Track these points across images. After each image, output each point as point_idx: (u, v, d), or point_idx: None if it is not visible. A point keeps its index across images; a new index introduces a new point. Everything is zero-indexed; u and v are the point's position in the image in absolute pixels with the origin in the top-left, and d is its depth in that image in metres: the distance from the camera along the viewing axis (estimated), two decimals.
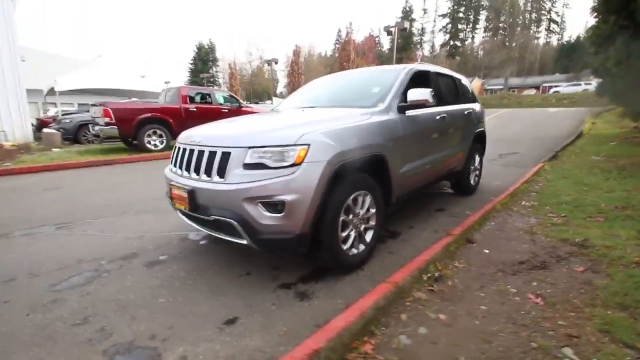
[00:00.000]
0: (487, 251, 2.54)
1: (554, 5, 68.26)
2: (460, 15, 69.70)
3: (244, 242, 2.00)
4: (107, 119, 7.31)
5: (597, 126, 11.36)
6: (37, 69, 16.01)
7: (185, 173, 2.23)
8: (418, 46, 64.77)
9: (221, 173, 1.99)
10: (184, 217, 2.47)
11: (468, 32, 71.37)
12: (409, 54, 55.39)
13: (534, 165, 5.92)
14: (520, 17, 68.68)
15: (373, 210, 2.40)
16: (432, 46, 73.73)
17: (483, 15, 70.10)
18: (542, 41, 70.73)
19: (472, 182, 4.25)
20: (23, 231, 3.27)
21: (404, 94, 2.78)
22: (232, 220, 1.94)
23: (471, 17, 71.46)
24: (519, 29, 68.65)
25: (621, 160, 5.75)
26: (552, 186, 4.41)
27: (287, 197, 1.85)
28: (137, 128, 7.79)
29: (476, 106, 4.34)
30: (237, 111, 9.75)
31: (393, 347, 1.54)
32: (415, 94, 2.65)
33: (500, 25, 68.58)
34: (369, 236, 2.39)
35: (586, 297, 1.84)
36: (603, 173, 4.97)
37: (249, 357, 1.51)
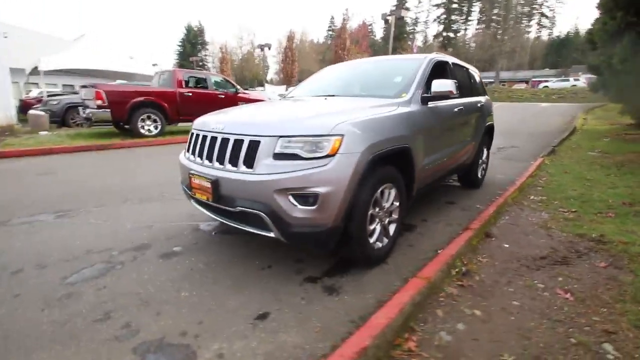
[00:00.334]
0: (506, 245, 2.55)
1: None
2: (455, 5, 69.38)
3: (271, 234, 1.93)
4: (99, 102, 6.99)
5: (589, 122, 11.61)
6: (20, 47, 15.15)
7: (207, 162, 2.13)
8: (411, 36, 64.39)
9: (249, 163, 1.90)
10: (201, 208, 2.38)
11: (461, 23, 71.27)
12: (402, 44, 54.96)
13: (533, 159, 5.99)
14: (513, 10, 68.88)
15: (397, 204, 2.36)
16: (425, 37, 73.45)
17: (477, 7, 69.97)
18: (532, 35, 71.36)
19: (479, 175, 4.27)
20: (22, 219, 3.10)
21: (427, 84, 2.71)
22: (261, 213, 1.86)
23: (465, 8, 71.25)
24: (511, 22, 68.95)
25: (617, 157, 5.88)
26: (556, 181, 4.47)
27: (321, 190, 1.78)
28: (130, 112, 7.50)
29: (486, 99, 4.33)
30: (233, 97, 9.52)
31: (435, 343, 1.52)
32: (439, 85, 2.59)
33: (494, 17, 68.68)
34: (391, 229, 2.36)
35: (614, 293, 1.86)
36: (603, 169, 5.06)
37: (289, 355, 1.47)
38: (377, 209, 2.16)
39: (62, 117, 10.28)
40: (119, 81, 16.66)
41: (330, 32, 72.43)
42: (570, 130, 9.18)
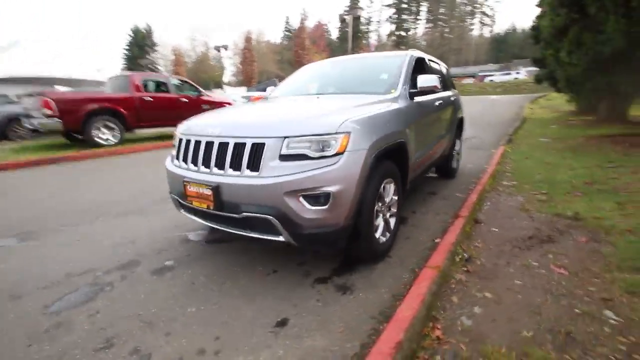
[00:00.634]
0: (495, 229, 2.70)
1: None
2: (404, 5, 72.28)
3: (280, 238, 1.87)
4: (48, 111, 6.34)
5: (536, 112, 12.69)
6: None
7: (203, 168, 2.01)
8: (369, 35, 66.04)
9: (254, 166, 1.82)
10: (195, 217, 2.25)
11: (411, 22, 74.47)
12: (358, 43, 56.22)
13: (494, 148, 6.42)
14: (457, 10, 73.30)
15: (395, 198, 2.40)
16: (379, 35, 75.80)
17: (424, 7, 73.51)
18: (476, 33, 76.50)
19: (454, 166, 4.48)
20: None
21: (412, 80, 2.79)
22: (270, 217, 1.80)
23: (414, 8, 74.54)
24: (455, 21, 73.34)
25: (568, 141, 6.47)
26: (520, 166, 4.82)
27: (332, 189, 1.76)
28: (84, 120, 6.88)
29: (456, 92, 4.55)
30: (196, 100, 9.13)
31: (459, 329, 1.56)
32: (425, 80, 2.67)
33: (440, 16, 72.60)
34: (392, 223, 2.40)
35: (601, 264, 2.04)
36: (558, 153, 5.55)
37: (319, 359, 1.43)
38: (380, 204, 2.18)
39: (2, 130, 9.20)
40: (59, 88, 15.25)
41: (287, 33, 72.16)
42: (521, 120, 9.96)
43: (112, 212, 3.51)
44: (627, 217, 2.60)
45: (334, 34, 73.54)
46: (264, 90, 21.90)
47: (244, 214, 1.86)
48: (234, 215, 1.90)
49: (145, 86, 8.05)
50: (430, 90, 2.73)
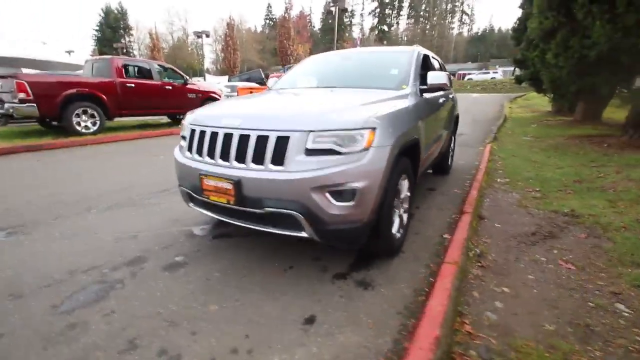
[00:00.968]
0: (498, 225, 2.79)
1: None
2: (387, 0, 72.48)
3: (302, 234, 1.85)
4: (21, 95, 5.89)
5: (515, 111, 13.19)
6: None
7: (222, 161, 1.94)
8: (351, 29, 65.80)
9: (278, 160, 1.78)
10: (208, 212, 2.18)
11: (394, 17, 74.93)
12: (341, 35, 55.94)
13: (481, 145, 6.63)
14: (438, 7, 74.43)
15: (408, 194, 2.43)
16: (362, 29, 75.79)
17: (406, 2, 74.08)
18: (455, 31, 78.13)
19: (449, 162, 4.59)
20: None
21: (422, 76, 2.81)
22: (295, 212, 1.76)
23: (396, 3, 74.95)
24: (435, 18, 74.51)
25: (549, 141, 6.78)
26: (509, 164, 5.00)
27: (359, 184, 1.75)
28: (62, 106, 6.47)
29: (452, 90, 4.63)
30: (182, 88, 8.81)
31: (486, 323, 1.61)
32: (435, 77, 2.69)
33: (422, 13, 73.48)
34: (404, 219, 2.42)
35: (604, 259, 2.17)
36: (542, 151, 5.80)
37: (355, 355, 1.44)
38: (396, 200, 2.19)
39: None
40: (26, 70, 14.33)
41: (269, 21, 70.66)
42: (503, 119, 10.33)
43: (102, 204, 3.34)
44: (620, 215, 2.77)
45: (317, 25, 72.87)
46: (248, 80, 21.26)
47: (267, 209, 1.81)
48: (256, 210, 1.85)
49: (128, 71, 7.65)
50: (440, 88, 2.76)
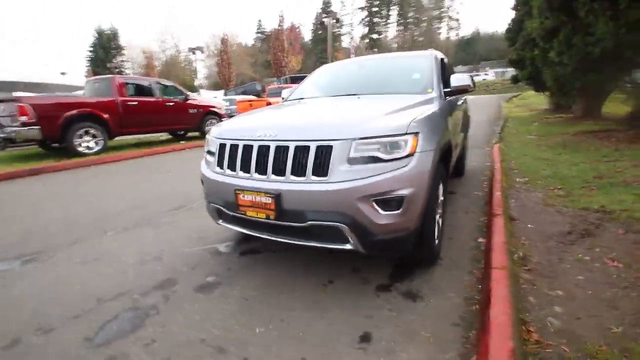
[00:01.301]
0: (531, 226, 2.73)
1: (452, 3, 76.97)
2: (375, 9, 73.79)
3: (347, 247, 1.77)
4: (24, 118, 5.80)
5: (512, 110, 13.30)
6: None
7: (257, 175, 1.87)
8: (343, 38, 66.68)
9: (321, 171, 1.71)
10: (242, 229, 2.09)
11: (383, 25, 76.19)
12: (332, 45, 56.58)
13: (487, 146, 6.63)
14: (425, 14, 75.87)
15: (442, 198, 2.36)
16: (352, 38, 76.79)
17: (394, 10, 75.46)
18: (443, 36, 79.49)
19: (464, 163, 4.55)
20: None
21: (444, 80, 2.78)
22: (340, 224, 1.69)
23: (384, 11, 76.31)
24: (424, 24, 75.89)
25: (554, 138, 6.78)
26: (522, 163, 4.97)
27: (406, 192, 1.69)
28: (64, 127, 6.39)
29: None
30: (183, 105, 8.77)
31: (551, 330, 1.53)
32: (458, 80, 2.66)
33: (410, 20, 74.81)
34: (440, 224, 2.36)
35: None
36: (551, 149, 5.79)
37: None
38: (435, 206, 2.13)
39: None
40: (18, 93, 14.21)
41: (259, 35, 71.44)
42: (504, 118, 10.39)
43: (118, 225, 3.24)
44: None
45: (307, 37, 73.78)
46: (244, 93, 21.45)
47: (310, 222, 1.74)
48: (298, 224, 1.77)
49: (129, 89, 7.60)
50: (464, 90, 2.73)
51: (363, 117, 1.87)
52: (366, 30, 72.93)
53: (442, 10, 75.26)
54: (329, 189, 1.67)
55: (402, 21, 75.47)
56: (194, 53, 26.91)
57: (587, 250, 2.27)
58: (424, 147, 1.79)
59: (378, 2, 72.87)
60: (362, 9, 72.62)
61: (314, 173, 1.72)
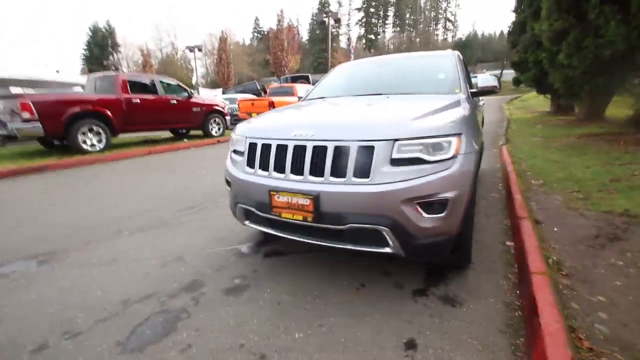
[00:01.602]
0: (557, 230, 2.70)
1: (448, 5, 77.48)
2: (372, 10, 73.95)
3: (387, 250, 1.72)
4: (26, 114, 5.67)
5: (514, 112, 13.37)
6: None
7: (293, 176, 1.81)
8: (340, 38, 66.64)
9: (362, 172, 1.66)
10: (272, 231, 2.02)
11: (380, 26, 76.39)
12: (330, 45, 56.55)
13: (494, 147, 6.62)
14: (422, 15, 76.28)
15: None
16: (349, 39, 76.86)
17: (391, 12, 75.71)
18: (440, 38, 79.96)
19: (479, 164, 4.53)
20: None
21: (467, 80, 2.74)
22: (382, 227, 1.64)
23: (381, 12, 76.52)
24: (420, 26, 76.28)
25: (561, 140, 6.81)
26: (533, 165, 4.96)
27: (450, 194, 1.64)
28: (67, 125, 6.26)
29: None
30: (187, 103, 8.66)
31: (601, 337, 1.50)
32: (485, 80, 2.65)
33: (407, 21, 75.11)
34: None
35: None
36: (559, 152, 5.79)
37: None
38: None
39: None
40: (16, 89, 13.97)
41: (257, 34, 71.24)
42: (507, 120, 10.43)
43: (131, 226, 3.15)
44: None
45: (305, 36, 73.65)
46: (243, 92, 21.22)
47: (350, 225, 1.68)
48: (337, 227, 1.72)
49: (132, 87, 7.48)
50: (490, 91, 2.69)
51: (404, 117, 1.81)
52: (363, 31, 72.99)
53: (438, 11, 75.66)
54: (371, 191, 1.62)
55: (398, 22, 75.74)
56: (192, 51, 26.61)
57: (619, 254, 2.25)
58: (467, 149, 1.74)
59: (375, 2, 73.02)
60: (359, 9, 72.66)
61: (355, 174, 1.67)
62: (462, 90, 2.56)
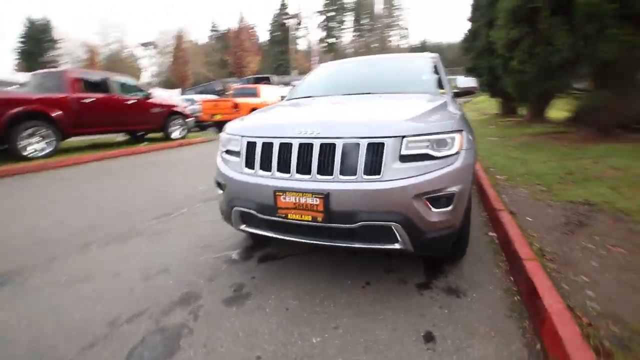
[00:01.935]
0: (530, 219, 2.91)
1: (401, 14, 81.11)
2: (332, 14, 75.16)
3: (396, 246, 1.73)
4: None
5: (467, 114, 14.29)
6: None
7: (299, 175, 1.75)
8: (297, 41, 66.73)
9: (373, 169, 1.65)
10: (271, 234, 1.94)
11: (339, 30, 77.84)
12: (288, 47, 56.47)
13: None
14: (379, 22, 79.09)
15: None
16: (309, 42, 77.38)
17: (350, 17, 77.54)
18: (395, 44, 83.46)
19: None
20: None
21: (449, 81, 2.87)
22: (394, 223, 1.65)
23: (339, 17, 78.05)
24: (377, 31, 79.06)
25: (515, 139, 7.40)
26: (496, 162, 5.33)
27: (456, 189, 1.70)
28: (7, 127, 5.54)
29: None
30: (144, 103, 8.11)
31: (594, 313, 1.62)
32: (466, 81, 2.77)
33: (364, 27, 77.41)
34: None
35: None
36: (516, 149, 6.29)
37: None
38: None
39: None
40: None
41: (214, 33, 69.03)
42: None
43: (99, 238, 2.87)
44: (630, 199, 3.06)
45: (262, 37, 72.80)
46: (203, 92, 20.46)
47: (361, 223, 1.67)
48: (348, 225, 1.69)
49: (83, 85, 6.82)
50: (470, 91, 2.84)
51: (409, 115, 1.83)
52: (323, 34, 73.94)
53: (392, 18, 78.92)
54: (384, 188, 1.62)
55: (357, 27, 77.80)
56: (146, 48, 24.96)
57: (588, 238, 2.47)
58: (468, 145, 1.81)
59: (334, 7, 74.34)
60: (319, 12, 73.49)
61: (366, 171, 1.65)
62: (447, 90, 2.67)
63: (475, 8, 11.40)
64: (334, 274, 2.14)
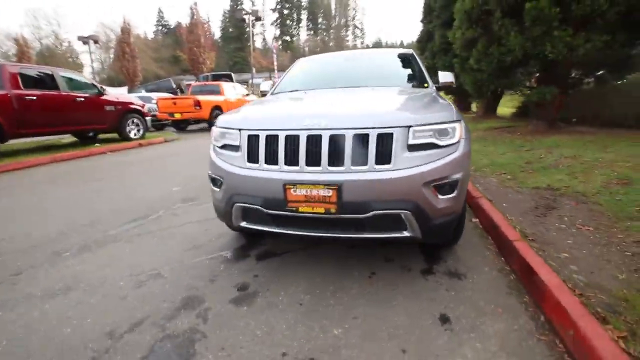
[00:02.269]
0: (505, 205, 3.15)
1: (356, 13, 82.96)
2: (287, 12, 74.64)
3: (405, 234, 1.78)
4: None
5: None
6: None
7: (309, 167, 1.73)
8: (255, 38, 65.31)
9: (384, 159, 1.68)
10: (276, 229, 1.90)
11: (294, 28, 77.56)
12: (245, 44, 55.08)
13: None
14: (334, 20, 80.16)
15: None
16: (264, 39, 76.17)
17: (304, 15, 77.62)
18: (350, 43, 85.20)
19: None
20: None
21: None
22: (405, 211, 1.69)
23: (295, 15, 77.79)
24: (332, 30, 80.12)
25: (473, 133, 7.91)
26: None
27: (459, 176, 1.79)
28: None
29: None
30: (97, 100, 7.45)
31: (582, 284, 1.80)
32: (445, 76, 2.91)
33: (320, 26, 78.00)
34: None
35: (605, 218, 2.65)
36: (475, 142, 6.68)
37: (518, 340, 1.46)
38: None
39: None
40: None
41: (161, 27, 65.26)
42: None
43: (70, 246, 2.62)
44: (585, 184, 3.43)
45: (217, 33, 70.27)
46: (156, 90, 19.23)
47: (374, 212, 1.69)
48: (360, 215, 1.70)
49: (25, 81, 6.08)
50: (449, 86, 2.99)
51: (411, 106, 1.89)
52: (278, 32, 73.24)
53: (347, 18, 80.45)
54: (395, 177, 1.65)
55: (312, 26, 78.15)
56: (86, 43, 22.50)
57: (559, 219, 2.74)
58: (466, 134, 1.92)
59: (289, 5, 73.91)
60: (274, 10, 72.65)
61: (377, 161, 1.68)
62: (430, 84, 2.79)
63: (428, 10, 12.02)
64: (339, 266, 2.15)
